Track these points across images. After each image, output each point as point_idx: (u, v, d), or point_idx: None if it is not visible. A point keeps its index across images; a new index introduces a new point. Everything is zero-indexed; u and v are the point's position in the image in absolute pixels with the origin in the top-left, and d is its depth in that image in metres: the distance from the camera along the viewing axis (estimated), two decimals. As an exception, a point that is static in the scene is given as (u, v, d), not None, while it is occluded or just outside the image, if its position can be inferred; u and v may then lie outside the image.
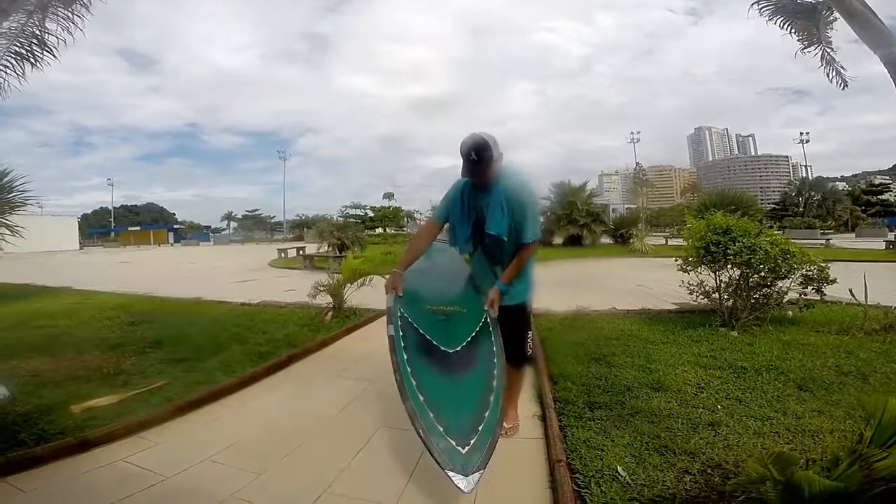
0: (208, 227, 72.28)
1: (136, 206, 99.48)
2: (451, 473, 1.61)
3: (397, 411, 2.83)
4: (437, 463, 1.65)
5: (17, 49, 3.39)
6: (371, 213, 47.22)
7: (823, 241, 20.00)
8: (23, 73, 3.46)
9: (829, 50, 3.36)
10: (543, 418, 2.72)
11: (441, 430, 1.75)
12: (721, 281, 4.90)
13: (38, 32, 3.42)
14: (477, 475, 1.63)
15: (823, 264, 4.73)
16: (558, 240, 21.68)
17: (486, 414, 1.91)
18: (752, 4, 3.38)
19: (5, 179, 3.44)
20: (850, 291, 4.72)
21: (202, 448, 2.45)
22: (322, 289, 5.60)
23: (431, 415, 1.80)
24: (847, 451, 1.47)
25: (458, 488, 1.58)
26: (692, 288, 5.06)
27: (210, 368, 3.65)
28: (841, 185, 61.00)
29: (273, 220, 69.76)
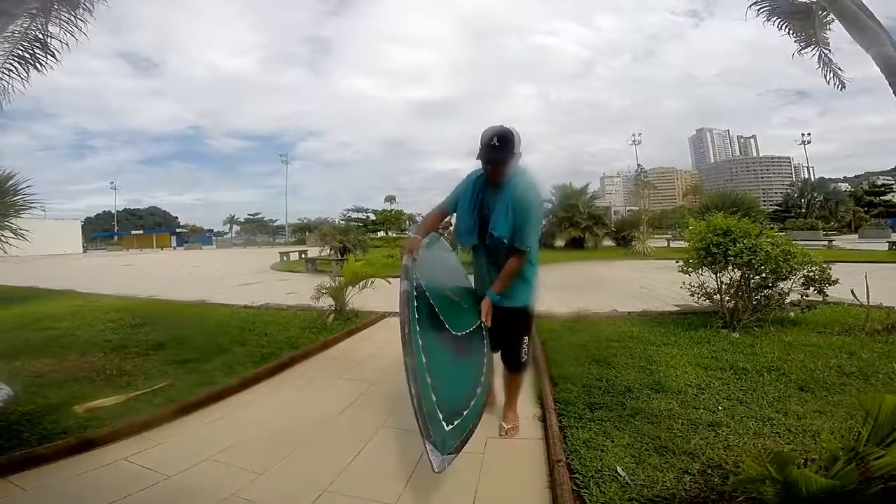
0: (210, 231, 72.52)
1: (138, 209, 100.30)
2: (429, 446, 1.60)
3: (398, 413, 2.87)
4: (420, 429, 1.64)
5: (20, 52, 3.42)
6: (373, 217, 47.19)
7: (826, 243, 19.97)
8: (27, 77, 3.50)
9: (826, 51, 3.36)
10: (543, 419, 2.72)
11: (434, 398, 1.78)
12: (722, 282, 4.89)
13: (41, 36, 3.45)
14: (450, 458, 1.63)
15: (825, 265, 4.72)
16: (560, 242, 21.65)
17: (472, 402, 2.00)
18: (750, 6, 3.39)
19: (9, 183, 3.46)
20: (852, 292, 4.71)
21: (204, 448, 2.46)
22: (324, 291, 5.62)
23: (429, 380, 1.82)
24: (845, 449, 1.47)
25: (431, 464, 1.57)
26: (693, 289, 5.05)
27: (212, 370, 3.66)
28: (843, 186, 60.91)
29: (275, 224, 69.91)
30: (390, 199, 51.71)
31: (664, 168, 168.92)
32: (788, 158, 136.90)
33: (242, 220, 71.40)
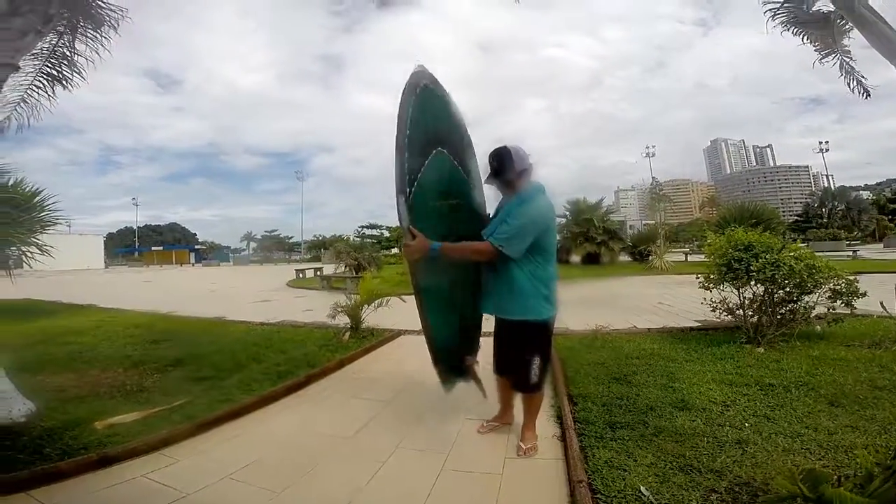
0: (228, 248, 73.78)
1: (159, 225, 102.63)
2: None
3: (414, 433, 2.85)
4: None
5: (48, 70, 3.57)
6: (387, 233, 47.50)
7: (850, 253, 19.45)
8: (53, 94, 3.65)
9: (847, 59, 3.30)
10: (563, 438, 2.65)
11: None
12: (745, 297, 4.78)
13: (67, 53, 3.59)
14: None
15: (852, 277, 4.58)
16: (575, 258, 21.32)
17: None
18: (768, 15, 3.34)
19: (36, 199, 3.58)
20: (882, 304, 4.55)
21: (222, 466, 2.46)
22: (341, 309, 5.65)
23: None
24: (881, 466, 1.40)
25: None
26: (715, 305, 4.94)
27: (230, 387, 3.68)
28: (865, 195, 59.39)
29: (291, 241, 70.66)
30: (405, 215, 51.94)
31: (679, 180, 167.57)
32: (807, 167, 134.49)
33: (259, 237, 72.50)
